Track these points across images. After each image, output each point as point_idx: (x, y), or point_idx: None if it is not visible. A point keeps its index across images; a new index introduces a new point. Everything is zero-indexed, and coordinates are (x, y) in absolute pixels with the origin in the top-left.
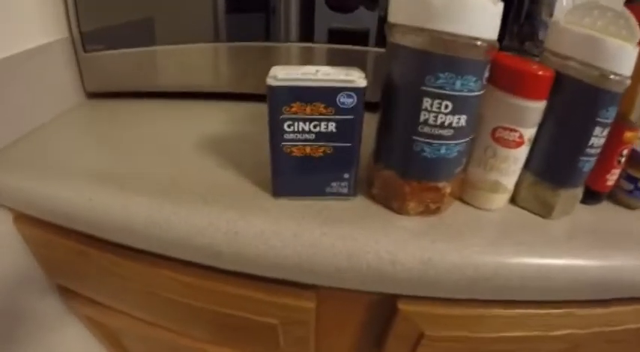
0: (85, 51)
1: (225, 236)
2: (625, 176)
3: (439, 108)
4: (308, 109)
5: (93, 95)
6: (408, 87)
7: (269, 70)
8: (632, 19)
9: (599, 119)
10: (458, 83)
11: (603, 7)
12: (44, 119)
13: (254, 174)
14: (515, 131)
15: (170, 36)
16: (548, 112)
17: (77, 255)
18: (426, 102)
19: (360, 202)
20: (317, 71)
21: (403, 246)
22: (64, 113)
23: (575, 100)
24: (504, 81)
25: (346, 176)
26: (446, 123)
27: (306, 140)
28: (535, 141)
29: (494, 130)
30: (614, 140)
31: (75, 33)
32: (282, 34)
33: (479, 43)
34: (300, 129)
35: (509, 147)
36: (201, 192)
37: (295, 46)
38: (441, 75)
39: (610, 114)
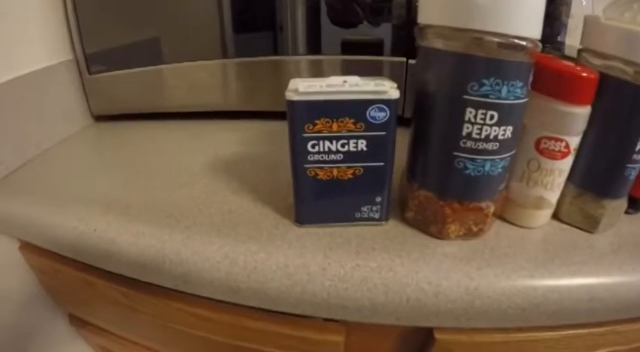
0: (90, 73)
1: (244, 270)
2: None
3: (484, 119)
4: (335, 126)
5: (100, 117)
6: (447, 96)
7: (279, 85)
8: None
9: None
10: (504, 90)
11: None
12: (50, 143)
13: (272, 199)
14: (561, 140)
15: (176, 54)
16: (591, 117)
17: (84, 285)
18: (470, 112)
19: (393, 227)
20: (344, 82)
21: (446, 275)
22: (71, 137)
23: (621, 103)
24: (548, 85)
25: (378, 199)
26: (491, 136)
27: (333, 161)
28: (580, 150)
29: (539, 141)
30: None
31: (79, 55)
32: (291, 47)
33: (525, 43)
34: (327, 148)
35: (555, 159)
36: (214, 221)
37: (305, 59)
38: (486, 81)
39: None
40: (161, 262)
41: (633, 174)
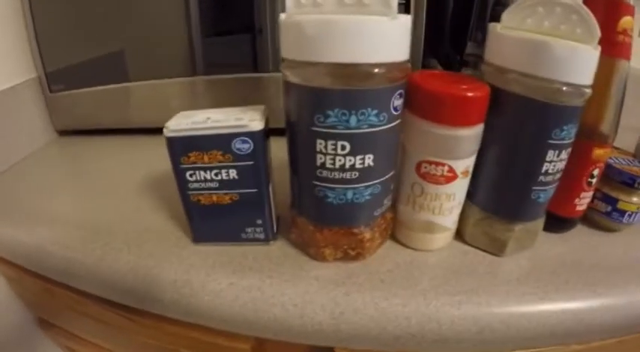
0: (51, 91)
1: (143, 283)
2: (600, 196)
3: (335, 149)
4: (206, 158)
5: (64, 132)
6: (300, 127)
7: (251, 102)
8: (587, 14)
9: (552, 141)
10: (353, 120)
11: (550, 1)
12: (15, 159)
13: (183, 217)
14: (443, 164)
15: (141, 71)
16: (490, 137)
17: (45, 293)
18: (320, 143)
19: (279, 248)
20: (208, 118)
21: (312, 299)
22: (35, 152)
23: (522, 121)
24: (423, 107)
25: (259, 222)
26: (347, 166)
27: (210, 188)
28: (479, 171)
29: (419, 165)
30: (582, 160)
31: (40, 73)
32: (266, 63)
33: (376, 69)
34: (203, 178)
35: (439, 184)
36: (129, 237)
37: (278, 76)
38: (331, 112)
39: (567, 133)
40: (84, 273)
41: (544, 196)
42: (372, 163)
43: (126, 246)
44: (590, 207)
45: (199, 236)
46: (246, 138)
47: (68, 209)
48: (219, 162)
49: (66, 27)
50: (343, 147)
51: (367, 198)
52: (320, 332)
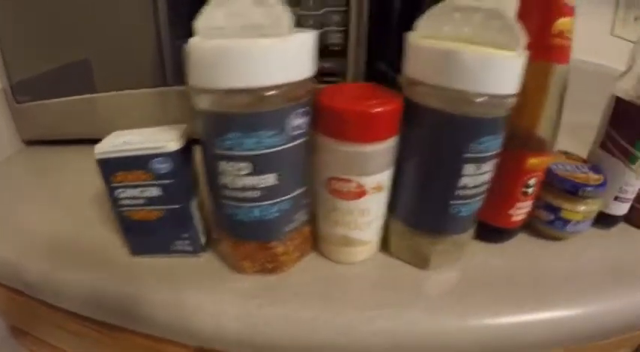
0: (17, 102)
1: (82, 294)
2: (542, 205)
3: (237, 170)
4: (130, 177)
5: (31, 143)
6: (205, 148)
7: None
8: (509, 18)
9: (469, 154)
10: (249, 142)
11: (469, 6)
12: None
13: None
14: (350, 181)
15: (108, 81)
16: (408, 150)
17: (11, 302)
18: (222, 165)
19: (207, 260)
20: (132, 139)
21: (225, 310)
22: (0, 162)
23: (437, 135)
24: (327, 125)
25: (186, 235)
26: (248, 186)
27: (138, 205)
28: (399, 185)
29: (328, 182)
30: (515, 170)
31: (5, 85)
32: None
33: (270, 92)
34: (130, 195)
35: (348, 199)
36: (77, 250)
37: None
38: (230, 135)
39: (488, 146)
40: (35, 284)
41: (466, 210)
42: (276, 182)
43: (77, 259)
44: (533, 216)
45: (136, 248)
46: (163, 158)
47: (32, 219)
48: (143, 181)
49: (31, 37)
50: (244, 168)
51: (275, 214)
52: (236, 342)
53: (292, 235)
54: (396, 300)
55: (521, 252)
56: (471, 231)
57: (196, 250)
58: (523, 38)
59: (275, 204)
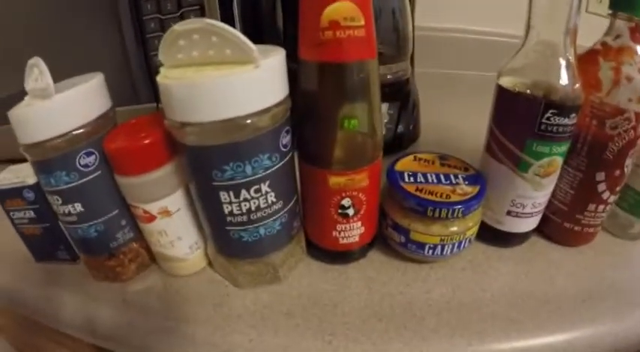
0: None
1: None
2: (392, 224)
3: (56, 201)
4: (15, 203)
5: None
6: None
7: None
8: (225, 29)
9: (216, 183)
10: (53, 180)
11: (185, 30)
12: None
13: None
14: (137, 207)
15: None
16: (188, 179)
17: None
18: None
19: (80, 266)
20: (12, 176)
21: (66, 309)
22: None
23: (190, 166)
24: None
25: (62, 247)
26: (61, 212)
27: (25, 223)
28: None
29: (129, 207)
30: (321, 191)
31: None
32: None
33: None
34: (19, 216)
35: (144, 222)
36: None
37: None
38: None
39: (236, 172)
40: None
41: (248, 236)
42: (81, 209)
43: None
44: (387, 236)
45: (36, 256)
46: (27, 191)
47: None
48: (22, 206)
49: None
50: (57, 200)
51: (94, 234)
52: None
53: (123, 250)
54: (193, 316)
55: (363, 277)
56: (282, 252)
57: (74, 258)
58: (250, 47)
59: (91, 226)
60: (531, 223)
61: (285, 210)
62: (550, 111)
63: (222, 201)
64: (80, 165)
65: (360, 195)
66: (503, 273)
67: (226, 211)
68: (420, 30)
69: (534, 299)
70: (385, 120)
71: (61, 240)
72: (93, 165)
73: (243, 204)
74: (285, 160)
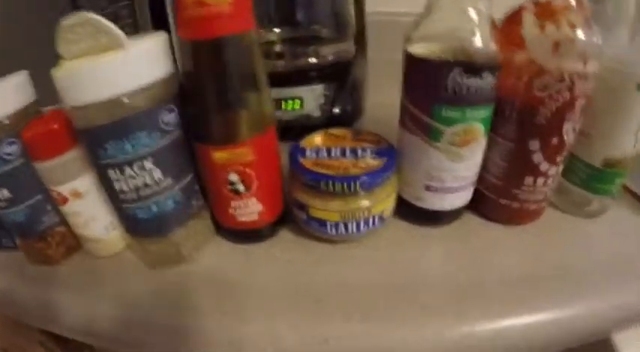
0: None
1: None
2: (294, 201)
3: None
4: None
5: None
6: None
7: None
8: (94, 19)
9: (102, 161)
10: None
11: (71, 24)
12: None
13: None
14: (53, 190)
15: None
16: None
17: None
18: None
19: None
20: None
21: (15, 290)
22: None
23: (85, 148)
24: None
25: (4, 234)
26: None
27: None
28: None
29: (49, 191)
30: (208, 166)
31: None
32: None
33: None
34: None
35: (60, 205)
36: None
37: None
38: None
39: (117, 151)
40: None
41: (142, 213)
42: (9, 195)
43: None
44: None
45: None
46: None
47: None
48: None
49: None
50: None
51: (23, 218)
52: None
53: (50, 233)
54: (102, 293)
55: (266, 256)
56: (182, 230)
57: (15, 246)
58: (117, 32)
59: (18, 212)
60: (457, 199)
61: (178, 187)
62: (456, 69)
63: (112, 178)
64: (5, 153)
65: (247, 169)
66: (426, 254)
67: (117, 188)
68: (384, 15)
69: (457, 282)
70: (321, 102)
71: (3, 228)
72: (16, 154)
73: (130, 181)
74: (171, 138)
